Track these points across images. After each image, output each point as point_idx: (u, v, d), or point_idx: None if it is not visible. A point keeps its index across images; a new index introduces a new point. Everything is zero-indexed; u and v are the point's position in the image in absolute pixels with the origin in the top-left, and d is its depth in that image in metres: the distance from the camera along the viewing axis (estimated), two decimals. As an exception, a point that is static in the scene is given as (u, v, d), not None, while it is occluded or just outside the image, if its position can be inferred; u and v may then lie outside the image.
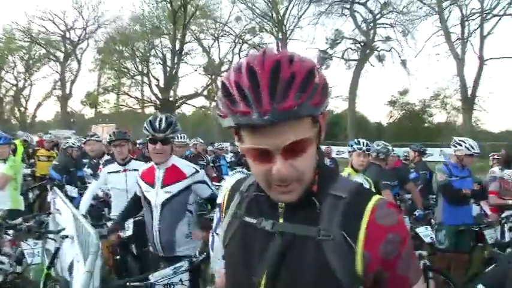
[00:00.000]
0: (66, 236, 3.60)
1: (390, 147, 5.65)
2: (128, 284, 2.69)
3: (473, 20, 32.10)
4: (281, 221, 1.02)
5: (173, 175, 3.00)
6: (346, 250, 0.93)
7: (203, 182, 3.07)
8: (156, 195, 2.99)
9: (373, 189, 4.20)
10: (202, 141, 10.34)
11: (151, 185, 3.03)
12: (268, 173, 0.92)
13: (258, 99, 0.85)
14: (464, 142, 4.74)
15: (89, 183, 5.46)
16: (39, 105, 47.37)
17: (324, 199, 0.99)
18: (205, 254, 2.74)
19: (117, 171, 4.32)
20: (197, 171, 3.06)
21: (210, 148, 12.19)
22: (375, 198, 0.98)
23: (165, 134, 2.90)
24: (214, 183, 6.38)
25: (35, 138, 15.25)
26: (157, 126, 2.91)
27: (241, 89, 0.88)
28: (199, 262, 2.72)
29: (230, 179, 2.74)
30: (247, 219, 1.09)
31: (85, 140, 6.56)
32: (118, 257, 4.05)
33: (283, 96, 0.85)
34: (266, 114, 0.84)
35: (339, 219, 0.95)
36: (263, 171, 0.93)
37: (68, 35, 44.01)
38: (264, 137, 0.88)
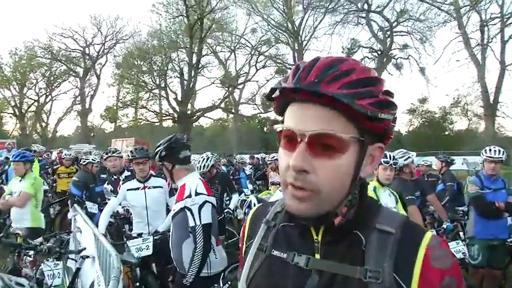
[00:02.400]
0: (87, 256, 3.54)
1: (412, 153, 5.47)
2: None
3: (493, 25, 31.50)
4: (317, 256, 0.90)
5: (179, 194, 3.03)
6: None
7: (188, 209, 2.88)
8: (172, 211, 3.06)
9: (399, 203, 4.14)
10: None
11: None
12: (288, 169, 0.83)
13: (306, 75, 0.80)
14: (487, 148, 4.59)
15: (109, 199, 5.42)
16: (60, 120, 48.30)
17: (369, 234, 0.88)
18: (228, 283, 2.63)
19: (137, 189, 4.28)
20: (189, 196, 2.90)
21: (223, 160, 12.16)
22: (428, 236, 0.87)
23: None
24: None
25: (56, 153, 15.54)
26: None
27: (298, 68, 0.83)
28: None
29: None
30: (275, 253, 0.96)
31: (106, 155, 6.52)
32: (138, 284, 3.98)
33: (330, 82, 0.79)
34: (302, 84, 0.79)
35: (389, 259, 0.83)
36: (284, 166, 0.84)
37: (87, 51, 44.96)
38: (296, 120, 0.83)
